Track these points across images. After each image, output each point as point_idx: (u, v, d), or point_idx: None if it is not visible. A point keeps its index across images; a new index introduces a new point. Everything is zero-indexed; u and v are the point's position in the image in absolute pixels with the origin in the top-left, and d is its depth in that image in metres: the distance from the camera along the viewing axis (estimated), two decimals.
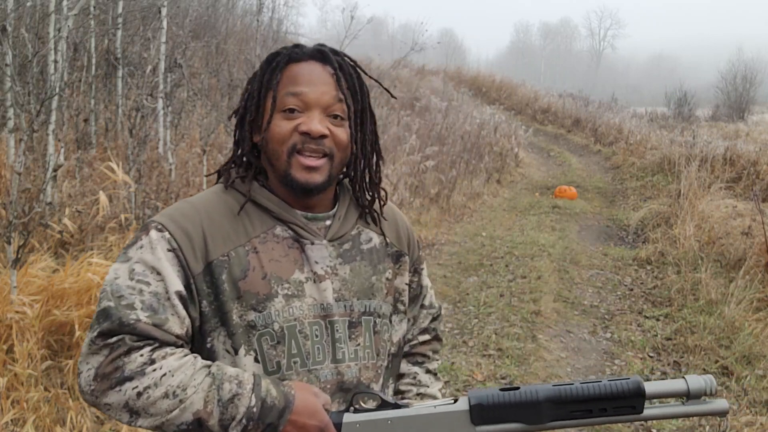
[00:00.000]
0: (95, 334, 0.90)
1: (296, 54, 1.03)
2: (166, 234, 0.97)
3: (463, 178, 8.88)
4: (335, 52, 1.05)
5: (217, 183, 1.11)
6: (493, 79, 23.06)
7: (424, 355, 1.26)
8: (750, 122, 21.02)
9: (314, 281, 1.03)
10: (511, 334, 4.15)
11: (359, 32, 9.74)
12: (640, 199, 9.01)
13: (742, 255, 5.23)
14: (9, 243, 3.09)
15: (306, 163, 1.00)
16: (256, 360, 0.99)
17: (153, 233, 0.98)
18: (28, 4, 5.64)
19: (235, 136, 1.09)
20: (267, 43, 10.25)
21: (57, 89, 4.21)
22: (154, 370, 0.89)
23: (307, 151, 1.00)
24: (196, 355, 0.95)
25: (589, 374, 3.75)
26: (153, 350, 0.91)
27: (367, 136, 1.09)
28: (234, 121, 1.10)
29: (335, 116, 1.02)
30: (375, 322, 1.09)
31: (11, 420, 2.43)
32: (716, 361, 3.78)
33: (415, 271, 1.23)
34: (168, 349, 0.92)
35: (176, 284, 0.95)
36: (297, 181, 1.01)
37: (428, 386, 1.24)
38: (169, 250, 0.97)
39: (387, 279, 1.13)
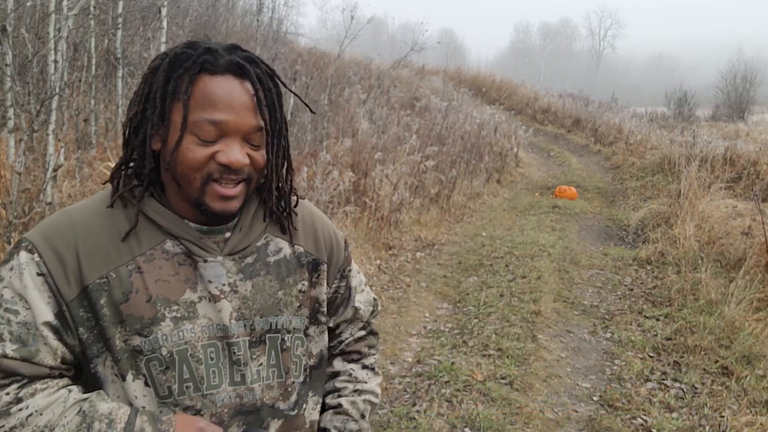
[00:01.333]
0: None
1: (210, 64, 0.90)
2: (35, 256, 0.89)
3: (463, 178, 8.88)
4: (252, 61, 0.94)
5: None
6: (493, 79, 23.08)
7: (359, 353, 1.22)
8: (750, 122, 21.04)
9: (209, 300, 0.95)
10: (511, 334, 4.15)
11: (359, 32, 9.74)
12: (640, 199, 9.01)
13: (742, 255, 5.22)
14: (9, 243, 3.09)
15: (224, 193, 0.92)
16: (146, 384, 0.93)
17: (23, 255, 0.89)
18: (28, 4, 5.64)
19: (125, 136, 0.96)
20: (267, 43, 10.25)
21: (57, 89, 4.21)
22: (20, 409, 0.85)
23: (225, 180, 0.91)
24: (71, 388, 0.91)
25: (589, 374, 3.75)
26: (20, 387, 0.87)
27: (281, 148, 1.01)
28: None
29: (253, 142, 0.94)
30: (283, 338, 1.02)
31: None
32: (716, 361, 3.78)
33: (342, 276, 1.16)
34: (38, 385, 0.88)
35: (44, 314, 0.88)
36: (212, 211, 0.93)
37: (365, 382, 1.19)
38: (38, 275, 0.88)
39: (300, 291, 1.05)
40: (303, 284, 1.06)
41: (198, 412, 0.95)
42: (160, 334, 0.92)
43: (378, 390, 1.21)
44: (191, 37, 8.71)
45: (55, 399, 0.88)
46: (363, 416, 1.17)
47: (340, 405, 1.15)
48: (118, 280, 0.91)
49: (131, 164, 0.96)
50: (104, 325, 0.91)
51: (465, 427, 3.03)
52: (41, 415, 0.86)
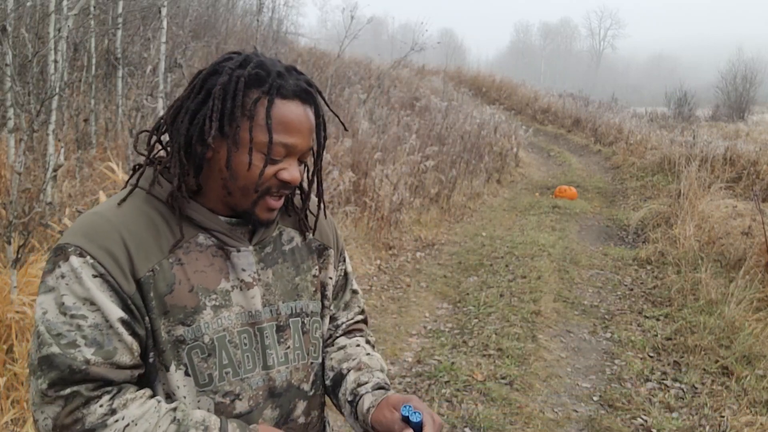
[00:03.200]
0: (46, 385, 0.86)
1: (283, 89, 0.96)
2: (88, 258, 0.89)
3: (463, 178, 8.88)
4: (312, 86, 1.01)
5: (130, 182, 1.02)
6: (493, 79, 23.07)
7: (360, 330, 1.27)
8: (750, 122, 21.06)
9: (240, 289, 1.01)
10: (511, 334, 4.15)
11: (359, 32, 9.75)
12: (640, 199, 9.01)
13: (742, 255, 5.22)
14: (9, 243, 3.09)
15: (273, 206, 1.00)
16: (186, 374, 0.96)
17: (74, 260, 0.89)
18: (28, 4, 5.64)
19: (175, 138, 0.98)
20: (267, 43, 10.26)
21: (57, 89, 4.21)
22: (116, 421, 0.87)
23: (278, 194, 1.00)
24: (159, 398, 0.93)
25: (589, 374, 3.75)
26: (113, 398, 0.88)
27: (318, 165, 1.09)
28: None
29: (303, 159, 1.03)
30: (303, 322, 1.08)
31: (11, 420, 2.43)
32: (716, 361, 3.78)
33: (343, 259, 1.24)
34: (128, 395, 0.90)
35: (115, 311, 0.90)
36: (258, 220, 1.00)
37: (370, 353, 1.21)
38: (95, 276, 0.89)
39: (313, 276, 1.13)
40: (315, 269, 1.14)
41: (237, 396, 0.99)
42: (203, 323, 0.96)
43: (383, 361, 1.23)
44: (191, 37, 8.71)
45: (148, 408, 0.90)
46: (382, 369, 1.17)
47: (359, 363, 1.16)
48: (162, 273, 0.94)
49: (179, 169, 0.98)
50: (152, 317, 0.94)
51: (465, 426, 3.04)
52: (137, 425, 0.87)
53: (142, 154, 1.04)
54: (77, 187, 4.48)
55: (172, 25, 7.59)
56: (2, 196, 3.91)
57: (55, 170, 3.93)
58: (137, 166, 1.04)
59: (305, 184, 1.12)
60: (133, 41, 7.19)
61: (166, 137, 1.04)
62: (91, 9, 6.20)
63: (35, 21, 5.70)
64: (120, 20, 6.53)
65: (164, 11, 5.86)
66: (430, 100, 13.13)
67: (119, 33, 6.54)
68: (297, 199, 1.15)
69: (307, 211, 1.15)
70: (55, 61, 4.31)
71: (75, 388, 0.86)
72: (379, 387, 1.10)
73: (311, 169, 1.10)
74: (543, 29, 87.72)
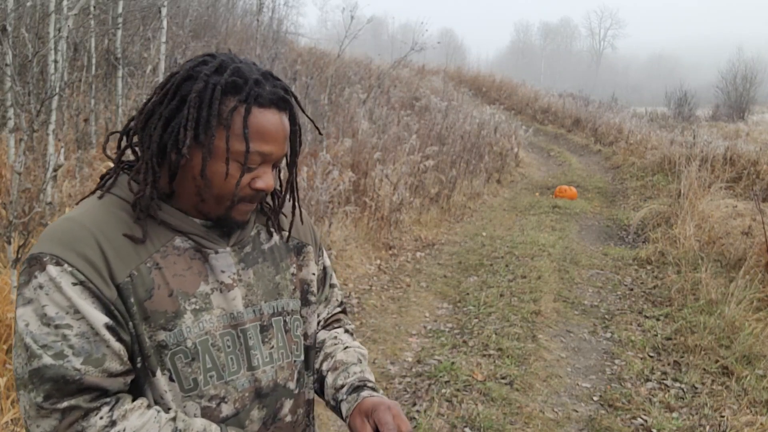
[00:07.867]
0: (41, 398, 0.84)
1: (261, 98, 0.94)
2: (66, 267, 0.87)
3: (463, 178, 8.88)
4: (288, 93, 1.00)
5: (103, 187, 1.00)
6: (493, 79, 23.09)
7: (338, 321, 1.28)
8: (750, 122, 21.07)
9: (220, 291, 1.00)
10: (511, 334, 4.15)
11: (359, 32, 9.76)
12: (641, 199, 9.01)
13: (742, 255, 5.23)
14: (9, 243, 3.10)
15: (249, 210, 1.00)
16: (170, 379, 0.95)
17: (51, 269, 0.86)
18: (28, 4, 5.64)
19: (147, 145, 0.95)
20: (267, 43, 10.25)
21: (57, 89, 4.21)
22: None
23: (252, 200, 1.00)
24: (158, 408, 0.93)
25: (589, 374, 3.75)
26: (112, 409, 0.88)
27: (293, 172, 1.10)
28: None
29: (277, 165, 1.02)
30: (285, 321, 1.09)
31: (11, 420, 2.43)
32: (716, 361, 3.78)
33: (321, 254, 1.24)
34: (127, 406, 0.89)
35: (100, 317, 0.88)
36: (233, 222, 1.00)
37: (348, 346, 1.21)
38: (75, 284, 0.87)
39: (292, 274, 1.12)
40: (293, 268, 1.13)
41: (222, 400, 0.99)
42: (184, 327, 0.95)
43: (363, 348, 1.23)
44: (191, 37, 8.71)
45: (148, 419, 0.89)
46: (360, 361, 1.18)
47: (335, 362, 1.17)
48: (140, 278, 0.93)
49: (148, 173, 0.96)
50: (135, 323, 0.92)
51: (465, 426, 3.03)
52: None
53: (110, 158, 1.02)
54: (77, 187, 4.48)
55: (172, 25, 7.60)
56: (2, 196, 3.91)
57: (55, 170, 3.92)
58: (108, 172, 1.02)
59: (278, 187, 1.12)
60: (133, 41, 7.20)
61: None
62: (91, 9, 6.20)
63: (35, 21, 5.69)
64: (120, 20, 6.52)
65: (164, 11, 5.86)
66: (430, 100, 13.12)
67: (119, 33, 6.53)
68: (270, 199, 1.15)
69: (282, 213, 1.14)
70: (55, 61, 4.31)
71: (72, 401, 0.85)
72: (354, 389, 1.10)
73: (284, 172, 1.10)
74: (543, 29, 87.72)
